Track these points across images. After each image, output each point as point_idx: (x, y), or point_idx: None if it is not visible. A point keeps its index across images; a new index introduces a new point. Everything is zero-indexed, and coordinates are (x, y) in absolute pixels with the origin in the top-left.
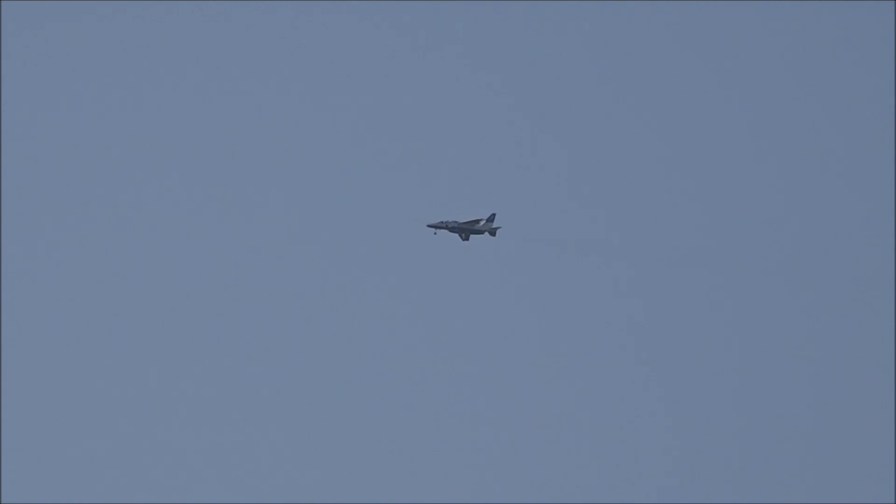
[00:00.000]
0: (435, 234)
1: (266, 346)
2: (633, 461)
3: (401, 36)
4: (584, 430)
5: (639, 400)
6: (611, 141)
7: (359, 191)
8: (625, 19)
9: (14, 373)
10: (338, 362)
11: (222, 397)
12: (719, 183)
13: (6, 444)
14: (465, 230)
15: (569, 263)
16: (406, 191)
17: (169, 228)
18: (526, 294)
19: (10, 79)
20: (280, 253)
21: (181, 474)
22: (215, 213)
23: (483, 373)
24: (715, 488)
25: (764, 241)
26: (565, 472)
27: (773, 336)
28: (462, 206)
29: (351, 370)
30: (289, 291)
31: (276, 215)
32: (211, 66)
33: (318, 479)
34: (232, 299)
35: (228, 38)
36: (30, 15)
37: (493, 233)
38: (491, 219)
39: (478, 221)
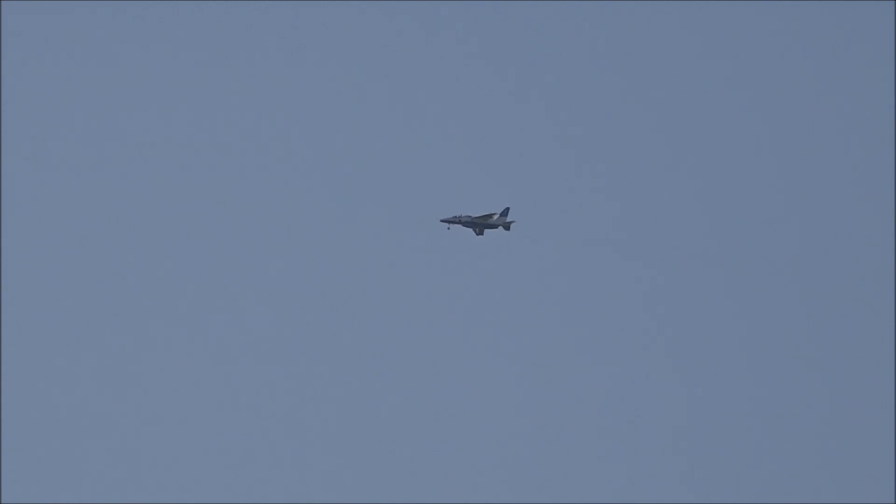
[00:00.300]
0: (448, 228)
1: (278, 344)
2: (633, 460)
3: (413, 30)
4: (593, 426)
5: (639, 398)
6: (613, 138)
7: (370, 187)
8: (625, 19)
9: (14, 373)
10: (352, 359)
11: (228, 397)
12: (720, 182)
13: (6, 444)
14: (479, 225)
15: (583, 259)
16: (418, 186)
17: (180, 228)
18: (541, 289)
19: (10, 79)
20: (292, 250)
21: (181, 474)
22: (222, 211)
23: (498, 369)
24: (715, 488)
25: (764, 241)
26: (578, 470)
27: (773, 336)
28: (475, 200)
29: (365, 367)
30: (301, 289)
31: (285, 212)
32: (211, 66)
33: (323, 478)
34: (239, 298)
35: (229, 39)
36: (30, 15)
37: (507, 227)
38: (505, 213)
39: (491, 216)
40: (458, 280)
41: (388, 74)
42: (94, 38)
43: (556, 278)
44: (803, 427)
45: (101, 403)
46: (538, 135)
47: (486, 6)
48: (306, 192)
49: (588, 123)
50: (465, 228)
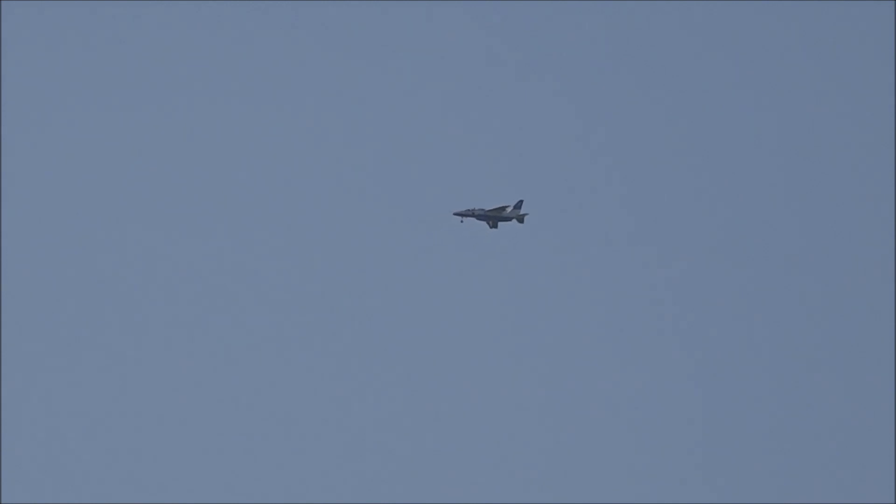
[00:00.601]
0: (461, 221)
1: (289, 341)
2: (638, 457)
3: (424, 23)
4: (604, 421)
5: (643, 395)
6: (625, 132)
7: (382, 181)
8: (626, 19)
9: (14, 373)
10: (365, 355)
11: (230, 397)
12: (720, 182)
13: (6, 444)
14: (493, 217)
15: (597, 252)
16: (431, 179)
17: (170, 228)
18: (555, 283)
19: (10, 79)
20: (304, 246)
21: (181, 474)
22: (229, 210)
23: (513, 364)
24: (715, 488)
25: (763, 241)
26: (595, 469)
27: (773, 336)
28: (489, 193)
29: (379, 363)
30: (313, 285)
31: (296, 208)
32: (212, 65)
33: (330, 477)
34: (249, 295)
35: (229, 39)
36: (30, 15)
37: (521, 220)
38: (518, 205)
39: (504, 208)
40: (472, 274)
41: (400, 68)
42: (94, 38)
43: (571, 271)
44: (803, 427)
45: (101, 403)
46: (551, 127)
47: (498, 4)
48: (319, 187)
49: (600, 116)
50: (478, 222)
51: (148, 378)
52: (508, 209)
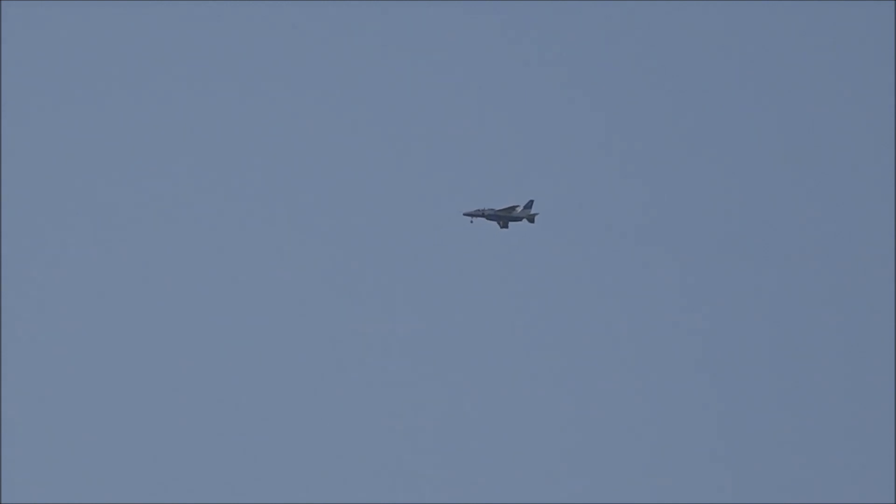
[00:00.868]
0: (471, 222)
1: (298, 341)
2: (636, 455)
3: (430, 27)
4: (614, 420)
5: (637, 397)
6: (632, 131)
7: (391, 182)
8: (626, 19)
9: (14, 373)
10: (376, 355)
11: (227, 397)
12: (727, 182)
13: (6, 444)
14: (503, 217)
15: (609, 251)
16: (440, 179)
17: (170, 228)
18: (566, 283)
19: (10, 79)
20: (314, 246)
21: (181, 474)
22: (233, 209)
23: (526, 364)
24: (715, 488)
25: (763, 241)
26: (605, 468)
27: (773, 335)
28: (499, 193)
29: (391, 363)
30: (325, 284)
31: (305, 207)
32: (211, 65)
33: (331, 477)
34: (258, 294)
35: (229, 39)
36: (30, 15)
37: (531, 219)
38: (529, 205)
39: (514, 208)
40: (483, 274)
41: (411, 68)
42: (94, 38)
43: (582, 271)
44: (803, 427)
45: (101, 403)
46: (561, 126)
47: (508, 3)
48: (329, 188)
49: (610, 115)
50: (488, 222)
51: (148, 378)
52: (518, 209)
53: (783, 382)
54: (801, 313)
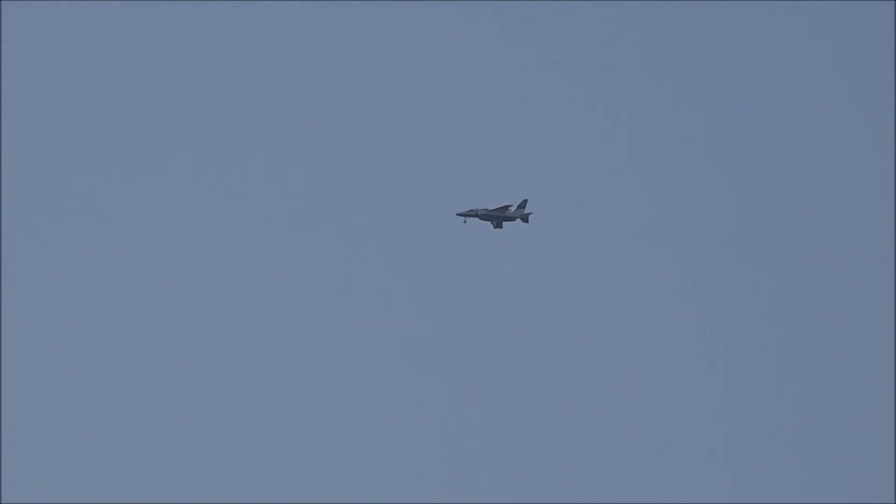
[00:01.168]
0: (465, 222)
1: (294, 340)
2: (634, 456)
3: (423, 27)
4: (608, 421)
5: (636, 397)
6: (628, 129)
7: (383, 182)
8: (626, 19)
9: (14, 373)
10: (370, 357)
11: (226, 397)
12: (719, 182)
13: (6, 444)
14: (496, 217)
15: (604, 251)
16: (432, 180)
17: (170, 228)
18: (561, 283)
19: (10, 79)
20: (307, 247)
21: (181, 474)
22: (230, 210)
23: (523, 365)
24: (715, 488)
25: (762, 241)
26: (597, 468)
27: (773, 335)
28: (492, 192)
29: (384, 365)
30: (318, 286)
31: (300, 208)
32: (211, 65)
33: (327, 477)
34: (254, 295)
35: (229, 38)
36: (30, 15)
37: (525, 219)
38: (523, 205)
39: (507, 208)
40: (477, 275)
41: (401, 68)
42: (94, 38)
43: (577, 271)
44: (803, 427)
45: (101, 403)
46: (554, 124)
47: (499, 4)
48: (322, 189)
49: (603, 114)
50: (482, 222)
51: (148, 378)
52: (512, 208)
53: (783, 382)
54: (800, 313)
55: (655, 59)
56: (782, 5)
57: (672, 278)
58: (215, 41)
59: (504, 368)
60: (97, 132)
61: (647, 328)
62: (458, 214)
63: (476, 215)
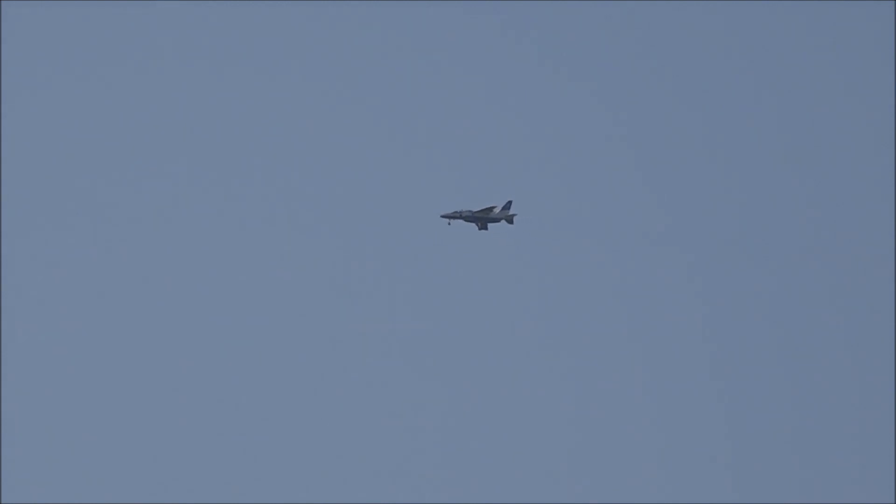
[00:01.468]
0: (449, 224)
1: (280, 343)
2: (628, 460)
3: (404, 29)
4: (573, 426)
5: (634, 397)
6: (613, 129)
7: (366, 184)
8: (624, 19)
9: (14, 373)
10: (355, 359)
11: (225, 397)
12: (719, 181)
13: (6, 444)
14: (481, 219)
15: (591, 251)
16: (417, 182)
17: (170, 228)
18: (547, 284)
19: (10, 79)
20: (293, 249)
21: (181, 474)
22: (219, 210)
23: (506, 367)
24: (715, 488)
25: (763, 241)
26: (570, 469)
27: (773, 335)
28: (477, 194)
29: (370, 366)
30: (303, 288)
31: (286, 210)
32: (211, 65)
33: (322, 478)
34: (243, 295)
35: (229, 38)
36: (30, 15)
37: (510, 220)
38: (507, 206)
39: (492, 209)
40: (463, 277)
41: (382, 70)
42: (94, 38)
43: (563, 272)
44: (803, 427)
45: (101, 403)
46: (539, 125)
47: (482, 4)
48: (305, 191)
49: (588, 114)
50: (467, 224)
51: (148, 378)
52: (496, 210)
53: (783, 382)
54: (800, 313)
55: (655, 59)
56: (782, 5)
57: (672, 278)
58: (215, 41)
59: (503, 368)
60: (97, 132)
61: (642, 327)
62: (443, 216)
63: (461, 217)
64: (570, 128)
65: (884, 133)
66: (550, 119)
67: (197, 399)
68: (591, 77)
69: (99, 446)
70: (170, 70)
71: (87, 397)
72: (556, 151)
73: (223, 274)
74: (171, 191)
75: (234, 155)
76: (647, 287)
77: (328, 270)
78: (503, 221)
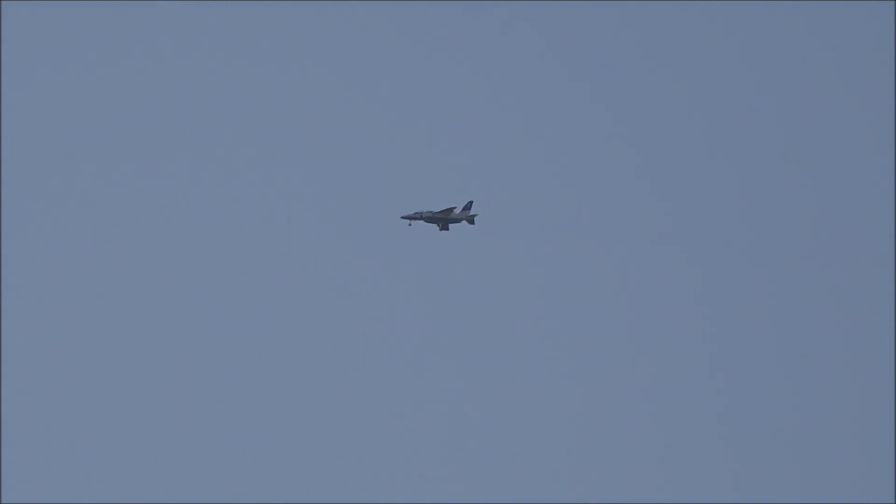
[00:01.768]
0: (409, 225)
1: (252, 345)
2: (628, 460)
3: (404, 29)
4: (569, 427)
5: (633, 397)
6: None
7: (366, 184)
8: (624, 19)
9: (14, 373)
10: (354, 358)
11: (221, 398)
12: (719, 181)
13: (6, 445)
14: (442, 220)
15: (551, 251)
16: (417, 182)
17: (167, 228)
18: (547, 284)
19: (10, 79)
20: (262, 252)
21: (181, 474)
22: (219, 210)
23: (505, 367)
24: (715, 488)
25: (763, 241)
26: (545, 470)
27: (773, 335)
28: (437, 195)
29: (368, 366)
30: (270, 291)
31: (285, 210)
32: (211, 65)
33: (314, 479)
34: (220, 297)
35: (229, 38)
36: (30, 15)
37: (471, 221)
38: (468, 206)
39: (452, 209)
40: (425, 277)
41: (382, 70)
42: (94, 38)
43: (526, 272)
44: (803, 427)
45: (102, 403)
46: (499, 125)
47: (482, 4)
48: (305, 190)
49: (552, 113)
50: (428, 225)
51: (148, 378)
52: (457, 210)
53: (784, 383)
54: (799, 313)
55: (655, 59)
56: (782, 5)
57: (672, 278)
58: (215, 41)
59: (503, 368)
60: (97, 132)
61: (642, 327)
62: (404, 217)
63: (421, 218)
64: (569, 128)
65: (884, 133)
66: (550, 119)
67: (197, 399)
68: (590, 77)
69: (99, 446)
70: (170, 70)
71: (87, 397)
72: (555, 151)
73: (222, 274)
74: (171, 190)
75: (233, 155)
76: (647, 287)
77: (328, 270)
78: (464, 222)
